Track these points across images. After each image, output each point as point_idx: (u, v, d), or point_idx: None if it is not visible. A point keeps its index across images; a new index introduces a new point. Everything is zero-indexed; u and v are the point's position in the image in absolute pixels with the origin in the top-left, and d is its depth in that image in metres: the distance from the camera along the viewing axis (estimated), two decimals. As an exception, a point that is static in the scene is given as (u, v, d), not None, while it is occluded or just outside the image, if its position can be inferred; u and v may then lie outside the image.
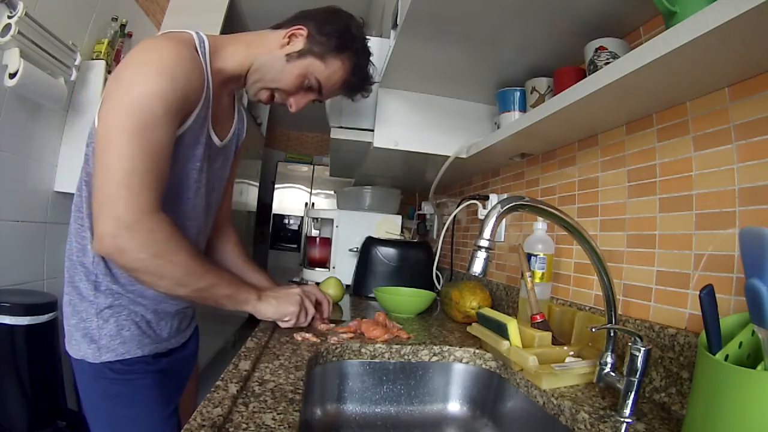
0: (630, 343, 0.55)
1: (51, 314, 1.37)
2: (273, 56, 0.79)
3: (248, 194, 3.79)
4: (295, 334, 0.82)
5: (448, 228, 1.61)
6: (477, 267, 0.56)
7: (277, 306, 0.83)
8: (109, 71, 1.69)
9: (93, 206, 0.65)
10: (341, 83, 0.85)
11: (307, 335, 0.81)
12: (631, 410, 0.54)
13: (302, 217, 4.51)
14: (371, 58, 0.89)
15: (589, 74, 0.69)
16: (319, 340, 0.80)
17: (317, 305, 0.93)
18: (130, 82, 0.65)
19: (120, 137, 0.63)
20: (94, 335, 0.76)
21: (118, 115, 0.64)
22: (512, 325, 0.71)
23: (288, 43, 0.80)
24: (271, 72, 0.80)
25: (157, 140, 0.65)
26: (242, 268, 1.02)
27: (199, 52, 0.73)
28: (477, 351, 0.83)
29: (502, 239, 1.25)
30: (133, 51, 0.68)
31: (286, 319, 0.84)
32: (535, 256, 0.87)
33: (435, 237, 1.80)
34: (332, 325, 0.90)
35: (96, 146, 0.66)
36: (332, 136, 1.26)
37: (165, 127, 0.66)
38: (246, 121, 0.98)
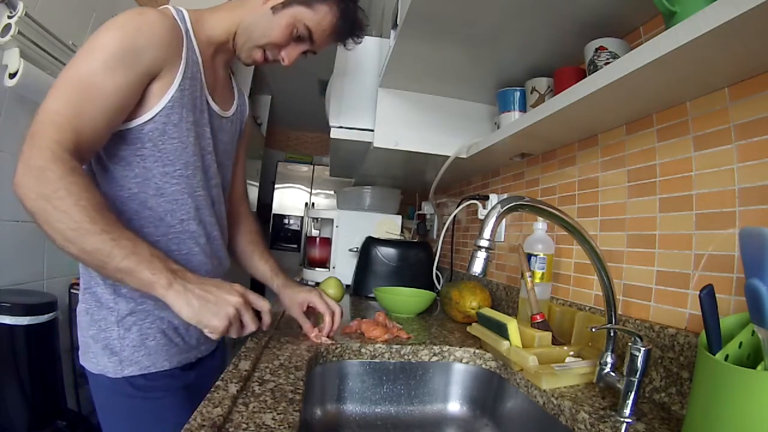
0: (630, 343, 0.55)
1: (51, 314, 1.38)
2: (258, 13, 0.77)
3: (248, 194, 3.79)
4: (311, 336, 0.81)
5: (448, 228, 1.60)
6: (477, 267, 0.56)
7: (198, 311, 0.60)
8: (109, 71, 1.68)
9: None
10: (331, 29, 0.81)
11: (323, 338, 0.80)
12: (631, 410, 0.54)
13: (302, 217, 4.51)
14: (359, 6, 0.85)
15: (589, 74, 0.69)
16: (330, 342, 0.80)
17: (329, 314, 0.83)
18: (93, 39, 0.63)
19: (53, 87, 0.61)
20: (115, 346, 0.70)
21: (65, 69, 0.62)
22: (512, 325, 0.71)
23: None
24: (258, 28, 0.77)
25: (88, 86, 0.61)
26: (246, 253, 0.96)
27: (177, 19, 0.70)
28: (477, 351, 0.83)
29: (502, 239, 1.25)
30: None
31: (206, 331, 0.62)
32: (535, 256, 0.87)
33: (435, 237, 1.80)
34: (328, 341, 0.81)
35: None
36: (332, 136, 1.26)
37: (104, 75, 0.61)
38: (246, 101, 0.95)
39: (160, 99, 0.68)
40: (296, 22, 0.77)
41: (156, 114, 0.68)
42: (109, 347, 0.70)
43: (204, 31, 0.75)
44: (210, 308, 0.61)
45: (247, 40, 0.78)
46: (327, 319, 0.82)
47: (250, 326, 0.65)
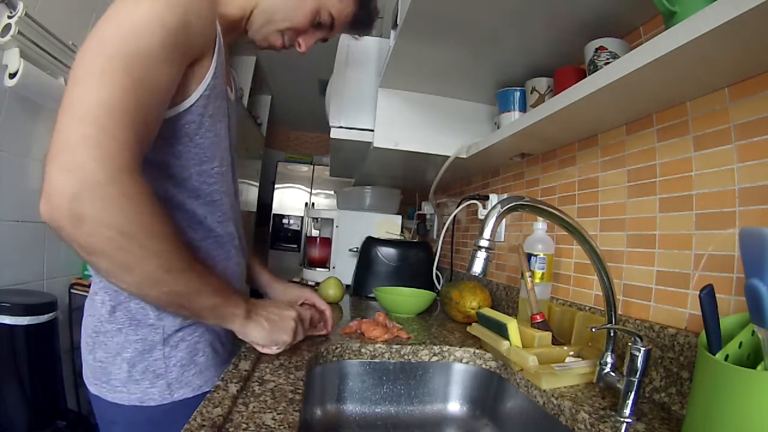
0: (630, 343, 0.55)
1: (51, 314, 1.38)
2: None
3: (248, 194, 3.79)
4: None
5: (448, 228, 1.60)
6: (477, 267, 0.56)
7: (271, 331, 0.64)
8: (109, 71, 1.68)
9: (46, 159, 0.44)
10: (352, 17, 0.78)
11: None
12: (631, 410, 0.54)
13: (302, 217, 4.51)
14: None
15: (589, 74, 0.69)
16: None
17: (320, 314, 0.83)
18: (120, 9, 0.49)
19: (97, 66, 0.45)
20: (160, 368, 0.61)
21: (99, 42, 0.47)
22: (512, 325, 0.71)
23: None
24: (282, 10, 0.70)
25: (146, 78, 0.48)
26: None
27: None
28: (477, 351, 0.83)
29: (502, 239, 1.25)
30: None
31: (275, 348, 0.67)
32: (535, 256, 0.87)
33: (435, 237, 1.80)
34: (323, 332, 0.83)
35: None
36: (332, 136, 1.26)
37: (161, 63, 0.50)
38: (237, 81, 0.90)
39: (198, 86, 0.58)
40: (321, 9, 0.73)
41: (193, 104, 0.58)
42: (152, 369, 0.61)
43: (219, 6, 0.65)
44: (278, 326, 0.65)
45: (267, 23, 0.71)
46: (328, 314, 0.83)
47: (300, 337, 0.70)
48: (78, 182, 0.42)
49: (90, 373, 0.63)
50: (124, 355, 0.61)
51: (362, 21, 0.81)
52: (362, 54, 1.25)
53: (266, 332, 0.64)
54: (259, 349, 0.67)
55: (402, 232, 1.66)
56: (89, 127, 0.43)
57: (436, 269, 1.52)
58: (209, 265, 0.60)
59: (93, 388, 0.63)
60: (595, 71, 0.65)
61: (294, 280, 1.62)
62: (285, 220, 4.60)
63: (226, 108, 0.68)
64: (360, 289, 1.43)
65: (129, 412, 0.60)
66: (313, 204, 4.65)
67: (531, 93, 0.96)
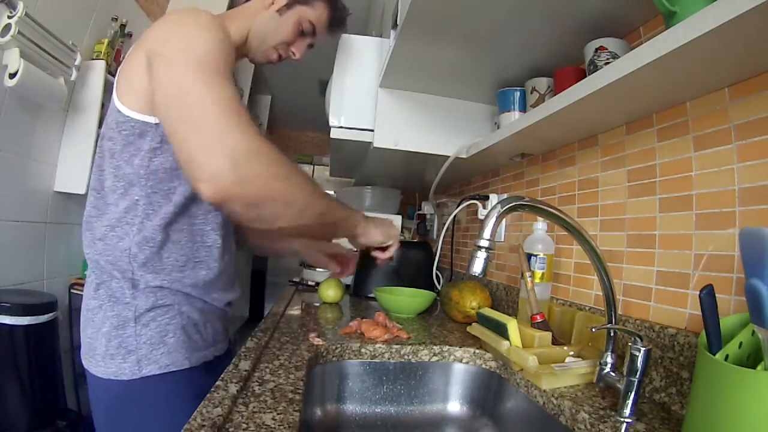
0: (630, 343, 0.55)
1: (51, 314, 1.38)
2: (265, 18, 0.85)
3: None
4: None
5: (448, 228, 1.60)
6: (477, 267, 0.56)
7: (383, 228, 0.86)
8: (109, 71, 1.69)
9: (188, 156, 0.56)
10: (328, 21, 0.92)
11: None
12: (631, 410, 0.54)
13: (302, 217, 4.49)
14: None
15: (589, 74, 0.69)
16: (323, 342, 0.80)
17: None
18: (187, 40, 0.63)
19: (201, 87, 0.59)
20: (131, 344, 0.67)
21: (186, 71, 0.60)
22: (512, 325, 0.71)
23: (272, 2, 0.85)
24: (270, 30, 0.85)
25: (226, 79, 0.62)
26: (263, 243, 1.04)
27: None
28: (477, 351, 0.83)
29: (502, 239, 1.25)
30: (168, 20, 0.67)
31: (390, 242, 0.88)
32: (535, 256, 0.87)
33: (435, 237, 1.80)
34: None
35: (165, 111, 0.60)
36: (332, 136, 1.26)
37: (229, 80, 0.64)
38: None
39: None
40: (301, 20, 0.87)
41: None
42: (124, 346, 0.67)
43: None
44: (383, 226, 0.87)
45: (261, 42, 0.86)
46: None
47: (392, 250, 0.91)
48: (235, 157, 0.55)
49: (84, 349, 0.71)
50: (102, 330, 0.68)
51: (337, 21, 0.94)
52: (362, 54, 1.25)
53: (380, 229, 0.86)
54: (378, 253, 0.90)
55: (402, 232, 1.66)
56: (230, 120, 0.57)
57: (436, 269, 1.51)
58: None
59: (84, 362, 0.70)
60: (595, 71, 0.65)
61: (294, 280, 1.62)
62: (285, 220, 4.58)
63: None
64: (360, 289, 1.43)
65: (106, 386, 0.67)
66: (313, 204, 4.64)
67: (531, 93, 0.96)
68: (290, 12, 0.86)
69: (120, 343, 0.67)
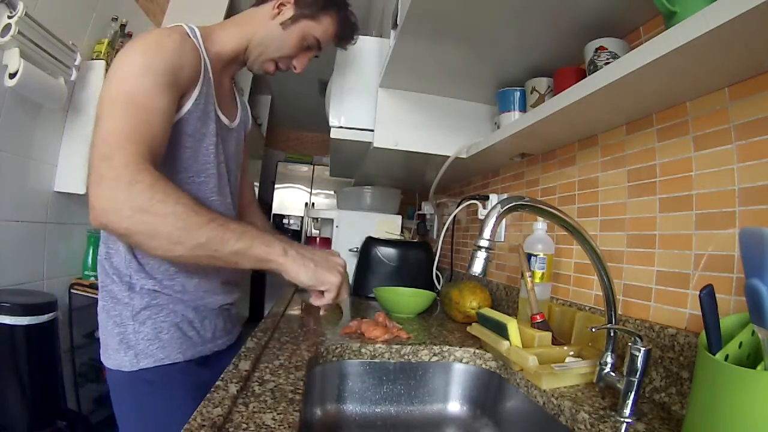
0: (630, 343, 0.55)
1: (51, 314, 1.38)
2: (269, 29, 0.83)
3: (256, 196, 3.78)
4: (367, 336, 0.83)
5: (448, 228, 1.60)
6: (477, 267, 0.56)
7: (315, 271, 0.70)
8: (109, 71, 1.68)
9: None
10: (335, 35, 0.90)
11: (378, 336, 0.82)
12: (631, 410, 0.54)
13: (302, 217, 4.51)
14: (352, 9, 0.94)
15: (589, 74, 0.69)
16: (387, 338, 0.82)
17: None
18: (118, 64, 0.66)
19: (107, 109, 0.62)
20: (130, 340, 0.73)
21: (107, 93, 0.64)
22: (512, 325, 0.71)
23: (278, 13, 0.83)
24: (272, 43, 0.84)
25: (145, 105, 0.62)
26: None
27: (191, 36, 0.74)
28: (477, 351, 0.83)
29: (502, 239, 1.25)
30: (125, 48, 0.70)
31: (324, 288, 0.72)
32: (535, 256, 0.87)
33: (435, 237, 1.80)
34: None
35: None
36: (332, 136, 1.26)
37: (155, 95, 0.64)
38: (249, 111, 1.02)
39: (181, 110, 0.72)
40: (306, 35, 0.85)
41: (175, 124, 0.71)
42: (125, 341, 0.73)
43: (214, 46, 0.79)
44: (324, 267, 0.71)
45: (261, 54, 0.84)
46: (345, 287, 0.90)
47: (345, 291, 0.76)
48: (98, 187, 0.57)
49: (102, 344, 0.76)
50: (107, 328, 0.75)
51: (346, 36, 0.93)
52: (362, 54, 1.25)
53: (309, 272, 0.69)
54: (313, 300, 0.76)
55: (402, 232, 1.66)
56: (107, 148, 0.58)
57: (436, 269, 1.51)
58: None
59: (102, 356, 0.76)
60: (595, 71, 0.65)
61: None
62: (285, 220, 4.60)
63: (215, 130, 0.79)
64: (360, 289, 1.43)
65: (115, 376, 0.74)
66: (313, 204, 4.65)
67: (531, 93, 0.96)
68: (294, 27, 0.83)
69: (122, 339, 0.73)
